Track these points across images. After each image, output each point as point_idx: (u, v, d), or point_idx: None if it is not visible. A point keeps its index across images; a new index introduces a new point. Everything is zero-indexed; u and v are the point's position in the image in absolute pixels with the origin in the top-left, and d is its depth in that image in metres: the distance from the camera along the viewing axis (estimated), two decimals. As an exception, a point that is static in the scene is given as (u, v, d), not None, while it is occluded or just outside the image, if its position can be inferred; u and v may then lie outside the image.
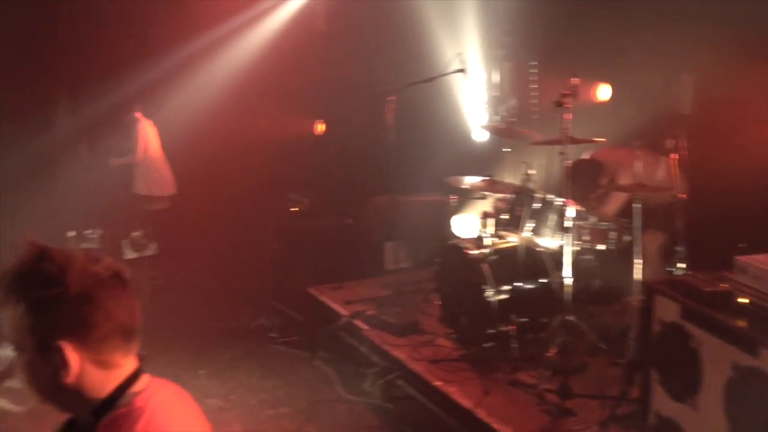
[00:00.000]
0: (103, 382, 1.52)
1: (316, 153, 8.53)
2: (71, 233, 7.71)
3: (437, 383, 4.83)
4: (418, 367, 5.11)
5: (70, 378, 1.46)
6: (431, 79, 6.08)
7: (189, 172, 8.26)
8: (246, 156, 8.43)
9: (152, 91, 8.53)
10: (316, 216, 7.70)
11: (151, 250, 8.47)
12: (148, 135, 8.22)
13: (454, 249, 5.52)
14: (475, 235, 5.82)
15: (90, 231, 8.19)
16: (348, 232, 7.52)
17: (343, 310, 6.25)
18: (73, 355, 1.45)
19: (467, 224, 6.31)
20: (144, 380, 1.59)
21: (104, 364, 1.51)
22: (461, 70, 5.93)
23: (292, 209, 7.78)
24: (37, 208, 7.63)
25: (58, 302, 1.44)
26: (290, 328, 6.71)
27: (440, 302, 5.77)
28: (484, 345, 5.09)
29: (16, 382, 5.93)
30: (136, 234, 8.08)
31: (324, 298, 6.61)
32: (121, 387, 1.54)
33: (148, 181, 8.37)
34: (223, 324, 6.95)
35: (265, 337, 6.62)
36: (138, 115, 8.15)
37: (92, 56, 8.45)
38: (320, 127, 9.11)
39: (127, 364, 1.56)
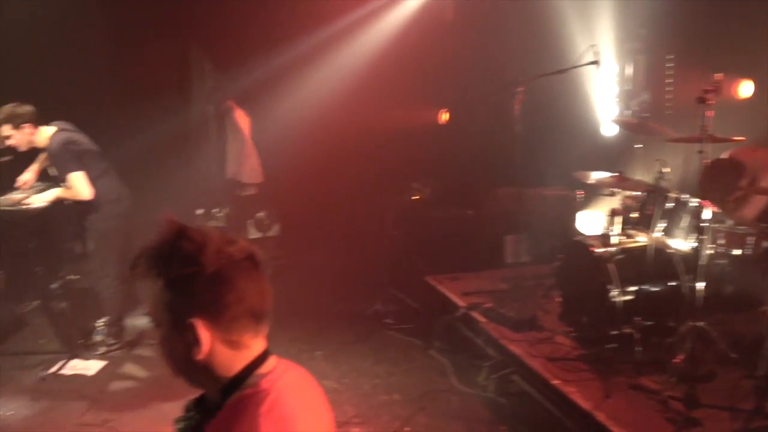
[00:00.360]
0: (231, 361, 1.55)
1: (440, 142, 8.50)
2: (200, 211, 7.96)
3: (555, 382, 4.72)
4: (535, 364, 5.01)
5: (201, 355, 1.51)
6: (563, 71, 5.93)
7: (315, 157, 8.41)
8: (370, 143, 8.51)
9: (280, 78, 8.75)
10: (437, 205, 7.68)
11: (274, 230, 8.71)
12: (241, 124, 8.50)
13: (579, 246, 5.39)
14: (601, 233, 5.66)
15: (217, 209, 8.51)
16: (468, 223, 7.46)
17: (460, 301, 6.22)
18: (204, 333, 1.50)
19: (593, 221, 6.13)
20: (271, 362, 1.62)
21: (233, 344, 1.54)
22: (594, 62, 5.76)
23: (413, 198, 7.79)
24: (170, 184, 7.97)
25: (193, 281, 1.48)
26: (406, 315, 6.75)
27: (561, 299, 5.64)
28: (605, 346, 4.94)
29: (145, 350, 6.26)
30: (260, 215, 8.32)
31: (441, 288, 6.59)
32: (249, 368, 1.57)
33: (240, 167, 8.73)
34: (340, 307, 7.07)
35: (381, 323, 6.68)
36: (231, 104, 8.41)
37: (229, 41, 8.71)
38: (444, 117, 9.08)
39: (256, 345, 1.59)
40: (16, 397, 5.47)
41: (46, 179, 6.44)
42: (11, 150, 7.58)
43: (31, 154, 6.48)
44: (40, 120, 5.83)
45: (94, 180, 5.86)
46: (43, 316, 6.66)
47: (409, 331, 6.48)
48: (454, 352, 5.95)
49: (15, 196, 6.16)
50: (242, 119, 8.68)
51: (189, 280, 1.48)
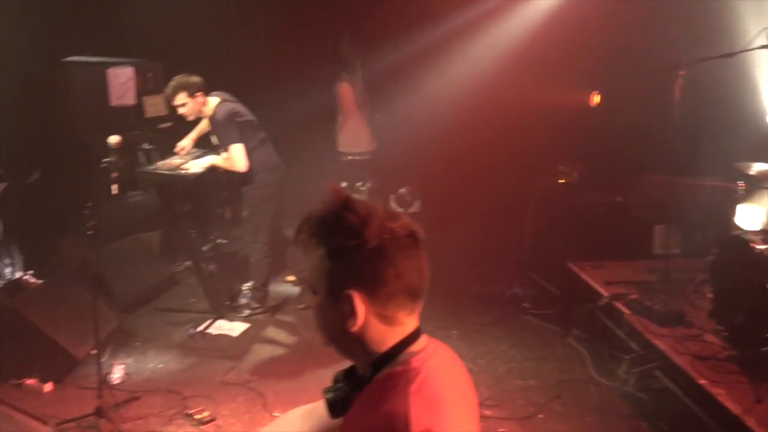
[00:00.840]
0: (384, 336, 1.56)
1: (589, 125, 8.23)
2: (344, 184, 8.08)
3: (702, 381, 4.50)
4: (681, 361, 4.78)
5: (355, 327, 1.52)
6: (730, 55, 5.60)
7: (460, 134, 8.38)
8: (516, 123, 8.36)
9: (425, 57, 8.74)
10: (584, 190, 7.45)
11: (415, 207, 8.77)
12: (349, 96, 8.56)
13: (737, 241, 5.09)
14: (762, 228, 5.35)
15: (360, 183, 8.65)
16: (615, 210, 7.20)
17: (603, 291, 6.03)
18: (360, 306, 1.50)
19: (754, 215, 5.78)
20: (422, 341, 1.62)
21: (388, 320, 1.55)
22: (766, 47, 5.42)
23: (559, 181, 7.61)
24: (316, 157, 8.17)
25: (354, 253, 1.49)
26: (545, 301, 6.65)
27: (712, 296, 5.36)
28: (761, 349, 4.66)
29: (287, 316, 6.47)
30: (402, 190, 8.39)
31: (584, 276, 6.42)
32: (401, 344, 1.57)
33: (348, 139, 8.95)
34: (477, 287, 7.05)
35: (518, 306, 6.62)
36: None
37: (373, 19, 8.82)
38: (596, 99, 8.79)
39: (409, 323, 1.59)
40: (166, 351, 5.83)
41: (202, 146, 6.74)
42: (171, 117, 7.99)
43: (190, 121, 6.81)
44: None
45: (251, 150, 6.05)
46: (194, 276, 6.96)
47: (547, 317, 6.39)
48: (593, 342, 5.82)
49: (174, 161, 6.45)
50: (345, 90, 8.81)
51: (350, 251, 1.50)
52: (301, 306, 6.69)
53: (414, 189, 8.91)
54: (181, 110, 6.01)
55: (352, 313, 1.51)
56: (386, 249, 1.50)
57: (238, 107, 6.19)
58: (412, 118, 8.78)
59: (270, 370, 5.49)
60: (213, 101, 6.08)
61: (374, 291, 1.51)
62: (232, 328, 6.24)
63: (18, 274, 6.37)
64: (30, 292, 5.91)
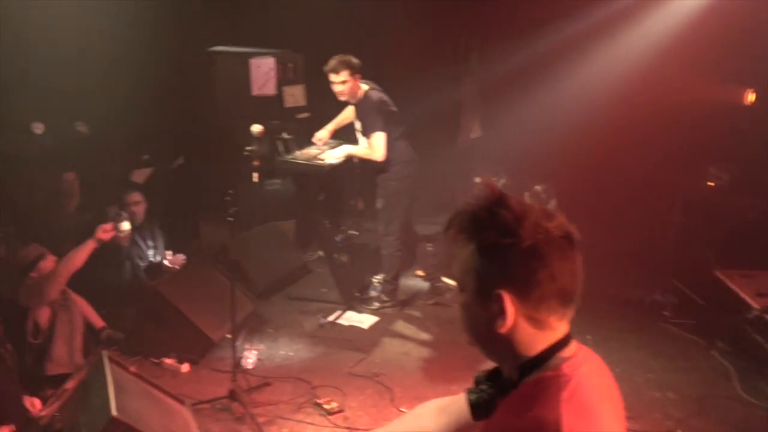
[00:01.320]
0: (533, 340, 1.51)
1: (743, 125, 7.76)
2: (478, 179, 7.96)
3: None
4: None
5: (504, 329, 1.48)
6: None
7: (599, 132, 8.10)
8: (662, 122, 7.99)
9: (563, 54, 8.50)
10: (736, 194, 7.02)
11: (550, 205, 8.53)
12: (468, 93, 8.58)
13: None
14: None
15: (495, 179, 8.49)
16: (772, 217, 6.76)
17: (753, 302, 5.63)
18: (510, 307, 1.46)
19: None
20: (573, 347, 1.55)
21: (538, 323, 1.50)
22: None
23: (708, 183, 7.21)
24: (450, 152, 8.11)
25: (507, 251, 1.45)
26: (687, 310, 6.33)
27: None
28: None
29: (416, 311, 6.46)
30: (537, 188, 8.17)
31: (732, 285, 6.02)
32: (551, 349, 1.51)
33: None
34: (616, 292, 6.78)
35: (659, 314, 6.35)
36: None
37: (505, 15, 8.64)
38: (750, 97, 8.28)
39: (560, 327, 1.53)
40: (297, 340, 5.93)
41: (339, 137, 6.78)
42: (309, 107, 8.12)
43: (328, 112, 6.89)
44: None
45: (392, 141, 6.04)
46: (326, 266, 7.04)
47: (690, 326, 6.09)
48: (739, 357, 5.51)
49: (311, 151, 6.50)
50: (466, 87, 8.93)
51: (503, 250, 1.45)
52: (431, 302, 6.66)
53: (549, 187, 8.67)
54: (338, 87, 5.99)
55: (501, 313, 1.47)
56: (541, 249, 1.45)
57: (386, 97, 6.19)
58: (549, 115, 8.57)
59: (398, 364, 5.48)
60: (363, 86, 6.10)
61: (526, 292, 1.46)
62: (361, 320, 6.27)
63: (159, 258, 6.65)
64: (171, 275, 6.18)
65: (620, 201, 8.18)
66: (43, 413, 4.63)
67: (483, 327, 1.52)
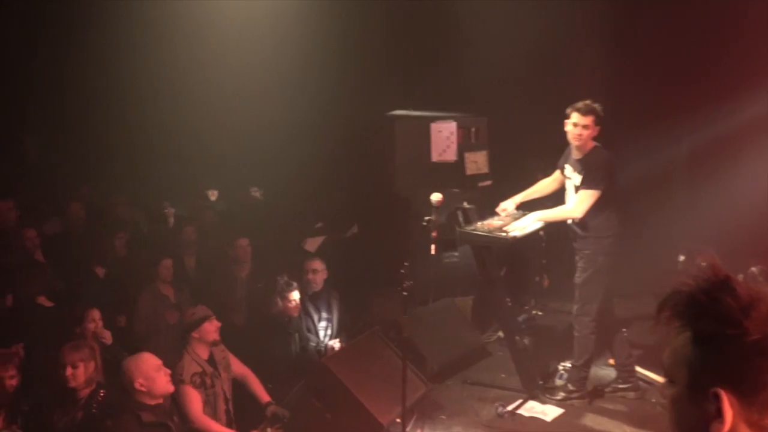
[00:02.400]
0: None
1: None
2: (681, 257, 7.42)
3: None
4: None
5: None
6: None
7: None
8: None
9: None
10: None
11: (768, 291, 7.70)
12: None
13: None
14: None
15: (703, 256, 7.81)
16: None
17: None
18: (728, 410, 1.31)
19: None
20: None
21: (761, 430, 1.34)
22: None
23: None
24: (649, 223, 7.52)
25: (729, 344, 1.32)
26: None
27: None
28: None
29: (608, 404, 6.06)
30: (754, 269, 7.38)
31: None
32: None
33: None
34: None
35: None
36: None
37: (723, 73, 8.19)
38: None
39: None
40: (473, 430, 5.66)
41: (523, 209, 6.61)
42: (491, 175, 7.87)
43: (511, 181, 6.54)
44: None
45: (609, 211, 5.81)
46: (506, 349, 6.70)
47: None
48: None
49: (493, 222, 6.30)
50: None
51: (724, 342, 1.32)
52: (626, 394, 6.19)
53: (766, 268, 7.82)
54: (578, 131, 5.77)
55: (718, 415, 1.32)
56: None
57: (614, 159, 6.00)
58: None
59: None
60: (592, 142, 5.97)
61: (749, 394, 1.32)
62: (544, 411, 5.93)
63: (328, 341, 6.69)
64: (341, 350, 6.20)
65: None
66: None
67: (693, 426, 1.39)
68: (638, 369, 6.36)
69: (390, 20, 9.23)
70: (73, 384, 5.12)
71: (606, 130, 6.51)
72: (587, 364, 6.13)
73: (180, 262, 7.88)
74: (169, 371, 4.90)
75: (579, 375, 6.13)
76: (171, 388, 4.85)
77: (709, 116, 8.12)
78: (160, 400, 4.75)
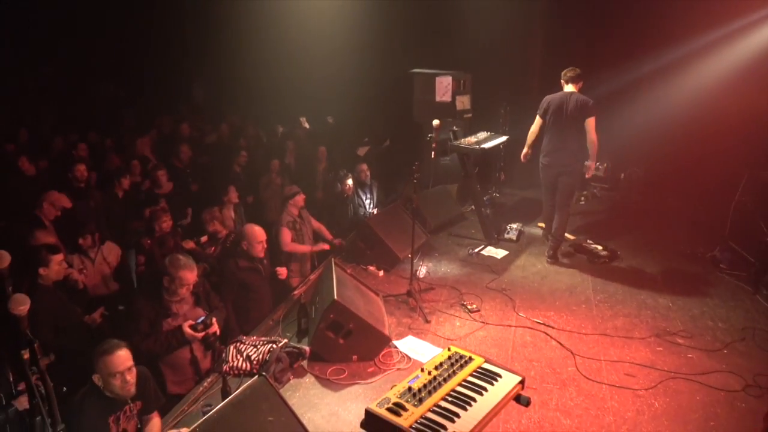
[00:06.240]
0: None
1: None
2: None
3: None
4: None
5: None
6: None
7: (690, 127, 7.43)
8: (743, 121, 7.13)
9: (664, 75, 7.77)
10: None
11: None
12: None
13: None
14: None
15: (603, 163, 7.83)
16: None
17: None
18: None
19: None
20: None
21: None
22: None
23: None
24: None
25: None
26: (740, 265, 5.64)
27: None
28: None
29: (535, 250, 6.16)
30: (636, 170, 7.48)
31: (778, 249, 5.30)
32: None
33: None
34: (684, 248, 6.17)
35: (716, 266, 5.70)
36: None
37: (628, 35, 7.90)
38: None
39: None
40: (453, 263, 5.80)
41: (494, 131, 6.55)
42: (472, 110, 7.88)
43: (483, 116, 6.63)
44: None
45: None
46: (476, 216, 6.75)
47: (740, 277, 5.42)
48: (778, 301, 4.84)
49: (470, 139, 6.37)
50: None
51: None
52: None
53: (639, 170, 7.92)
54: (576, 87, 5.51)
55: None
56: None
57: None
58: (649, 118, 7.91)
59: (519, 283, 5.32)
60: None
61: None
62: (497, 252, 6.03)
63: (371, 210, 6.70)
64: (377, 214, 6.17)
65: (697, 180, 7.45)
66: (295, 293, 4.97)
67: None
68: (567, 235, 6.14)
69: (411, 11, 9.12)
70: (219, 228, 5.40)
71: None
72: (522, 228, 6.33)
73: (284, 161, 7.92)
74: (265, 244, 4.69)
75: (517, 233, 6.28)
76: (261, 255, 4.64)
77: (615, 72, 7.99)
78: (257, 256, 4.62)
